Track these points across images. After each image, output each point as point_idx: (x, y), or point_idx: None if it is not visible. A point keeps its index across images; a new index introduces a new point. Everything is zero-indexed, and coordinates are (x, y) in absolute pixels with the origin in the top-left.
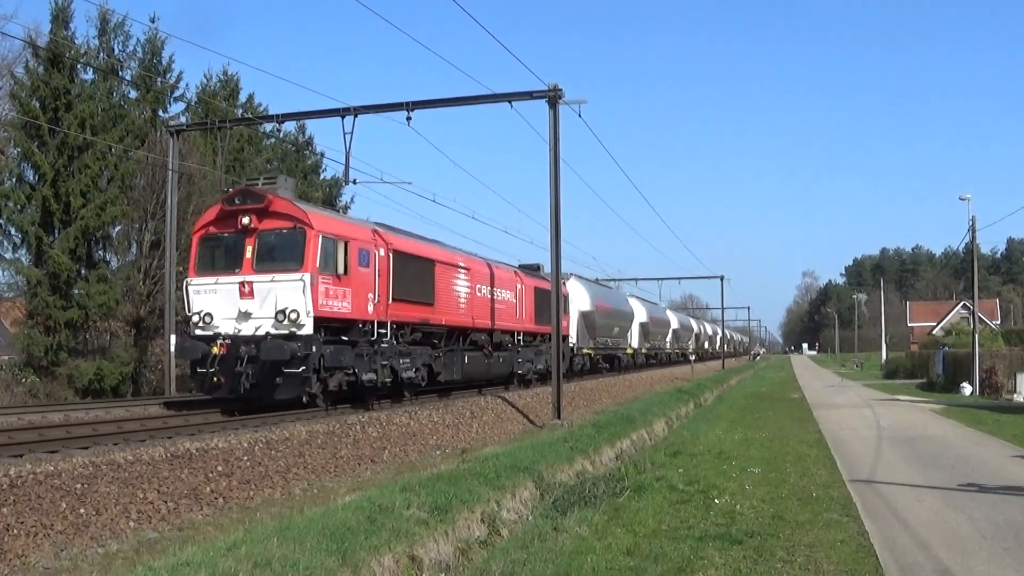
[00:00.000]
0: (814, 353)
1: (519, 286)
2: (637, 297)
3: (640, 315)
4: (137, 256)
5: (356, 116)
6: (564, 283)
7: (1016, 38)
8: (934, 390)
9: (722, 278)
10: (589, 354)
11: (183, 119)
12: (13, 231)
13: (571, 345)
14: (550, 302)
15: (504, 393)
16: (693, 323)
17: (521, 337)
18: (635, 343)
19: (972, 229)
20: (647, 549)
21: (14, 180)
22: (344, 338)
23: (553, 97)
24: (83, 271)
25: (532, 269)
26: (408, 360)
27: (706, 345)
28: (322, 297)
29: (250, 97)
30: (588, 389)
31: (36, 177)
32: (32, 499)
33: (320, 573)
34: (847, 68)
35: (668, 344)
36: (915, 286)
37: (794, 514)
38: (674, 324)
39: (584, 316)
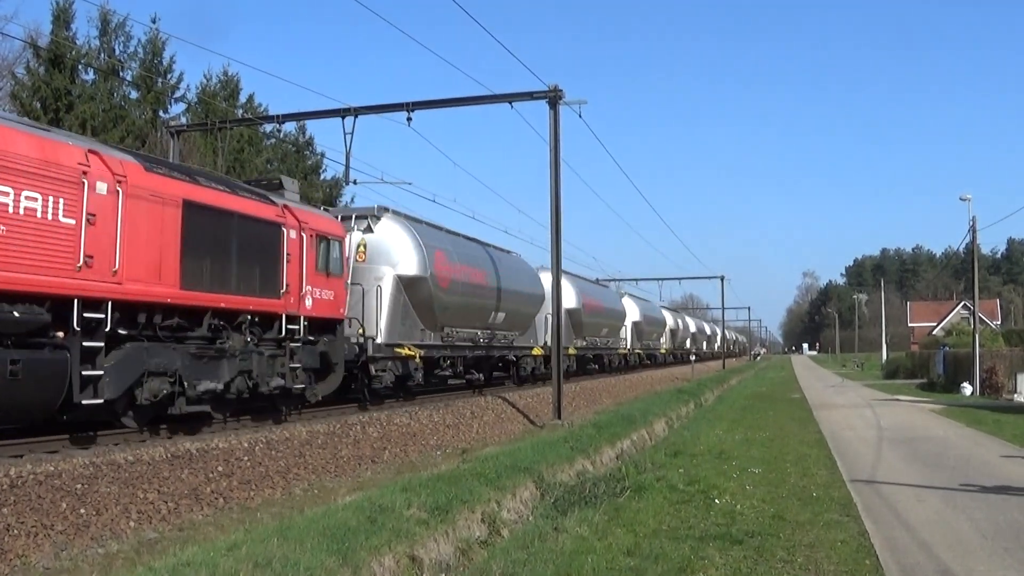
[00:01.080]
0: (814, 353)
1: (95, 185)
2: (568, 273)
3: (565, 298)
4: None
5: (356, 116)
6: (367, 224)
7: (1016, 38)
8: (934, 390)
9: (722, 278)
10: (411, 356)
11: (183, 120)
12: None
13: (358, 339)
14: (293, 249)
15: (505, 393)
16: (668, 316)
17: (109, 315)
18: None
19: (972, 229)
20: (647, 549)
21: None
22: None
23: (553, 98)
24: None
25: (267, 187)
26: None
27: (688, 343)
28: None
29: (250, 97)
30: (588, 390)
31: None
32: (32, 499)
33: (320, 573)
34: (848, 68)
35: (625, 342)
36: (915, 286)
37: (794, 514)
38: (633, 315)
39: (408, 287)
